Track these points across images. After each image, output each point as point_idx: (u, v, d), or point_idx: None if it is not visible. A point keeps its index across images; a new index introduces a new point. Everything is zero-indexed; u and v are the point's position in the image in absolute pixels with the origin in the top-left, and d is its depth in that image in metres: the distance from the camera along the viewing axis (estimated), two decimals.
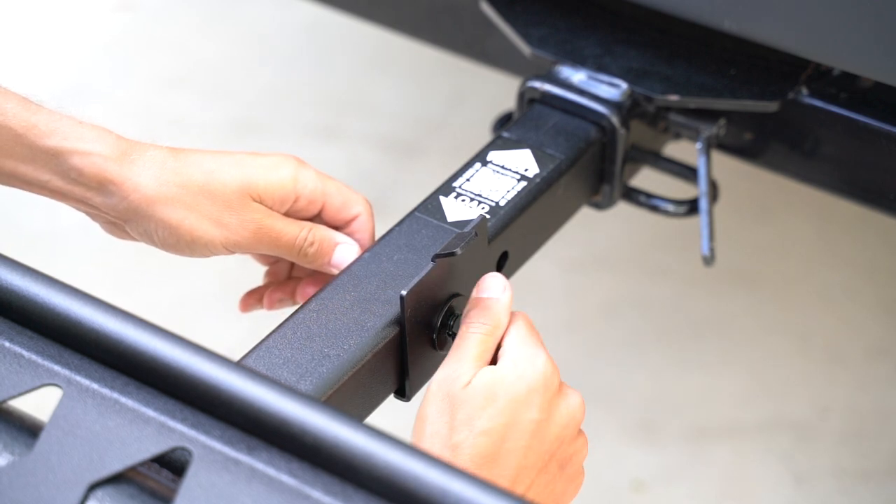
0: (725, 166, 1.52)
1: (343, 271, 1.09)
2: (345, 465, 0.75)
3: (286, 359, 1.01)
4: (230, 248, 1.07)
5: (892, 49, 1.16)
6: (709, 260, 1.29)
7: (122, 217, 1.06)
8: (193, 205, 1.05)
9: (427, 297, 1.04)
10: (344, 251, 1.11)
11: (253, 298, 1.20)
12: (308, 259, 1.10)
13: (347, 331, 1.03)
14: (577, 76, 1.30)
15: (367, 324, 1.03)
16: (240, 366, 0.79)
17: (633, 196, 1.35)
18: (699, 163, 1.30)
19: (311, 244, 1.09)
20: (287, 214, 1.11)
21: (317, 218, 1.13)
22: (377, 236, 1.12)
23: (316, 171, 1.11)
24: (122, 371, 0.80)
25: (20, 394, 0.79)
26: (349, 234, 1.13)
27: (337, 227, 1.13)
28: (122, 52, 2.39)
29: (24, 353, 0.81)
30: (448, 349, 1.09)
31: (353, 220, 1.13)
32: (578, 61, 1.32)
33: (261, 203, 1.08)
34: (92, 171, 1.03)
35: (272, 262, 1.20)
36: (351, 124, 2.23)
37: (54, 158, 1.03)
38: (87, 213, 1.08)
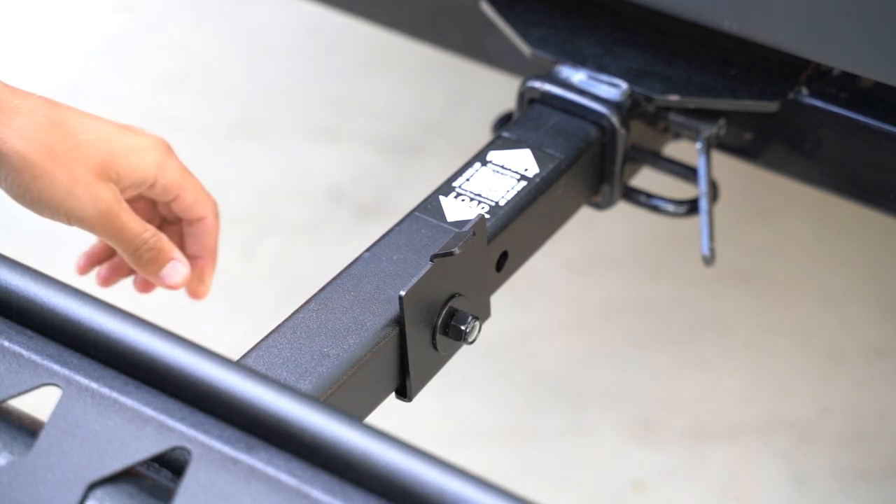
0: (725, 166, 1.52)
1: (343, 271, 1.08)
2: (344, 465, 0.75)
3: (286, 358, 1.01)
4: (73, 222, 1.06)
5: (892, 49, 1.16)
6: (709, 260, 1.29)
7: None
8: (51, 168, 1.03)
9: (426, 297, 1.04)
10: (175, 268, 1.11)
11: (90, 263, 1.20)
12: (141, 263, 1.10)
13: (347, 330, 1.03)
14: (577, 76, 1.30)
15: (366, 323, 1.03)
16: (239, 365, 0.79)
17: (633, 196, 1.35)
18: (699, 163, 1.30)
19: (150, 250, 1.09)
20: (140, 196, 1.11)
21: (165, 208, 1.14)
22: (378, 235, 1.12)
23: (180, 164, 1.11)
24: (121, 371, 0.80)
25: (19, 393, 0.79)
26: (194, 234, 1.15)
27: (182, 223, 1.15)
28: (122, 52, 2.39)
29: (24, 352, 0.81)
30: (448, 349, 1.09)
31: (198, 220, 1.14)
32: (578, 61, 1.32)
33: (118, 182, 1.06)
34: None
35: None
36: (351, 124, 2.23)
37: None
38: None
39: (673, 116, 1.31)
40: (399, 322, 1.04)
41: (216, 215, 1.15)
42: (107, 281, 1.21)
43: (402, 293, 1.01)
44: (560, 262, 2.00)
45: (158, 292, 2.01)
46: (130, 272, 1.20)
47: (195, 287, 1.18)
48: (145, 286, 1.20)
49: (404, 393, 1.08)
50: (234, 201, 2.13)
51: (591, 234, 2.04)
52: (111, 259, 1.21)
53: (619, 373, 1.89)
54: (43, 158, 1.02)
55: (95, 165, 1.05)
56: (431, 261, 1.04)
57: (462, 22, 1.51)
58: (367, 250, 1.10)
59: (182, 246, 1.17)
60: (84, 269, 1.21)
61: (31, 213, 2.08)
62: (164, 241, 1.10)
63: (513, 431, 1.83)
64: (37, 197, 1.03)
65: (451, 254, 1.03)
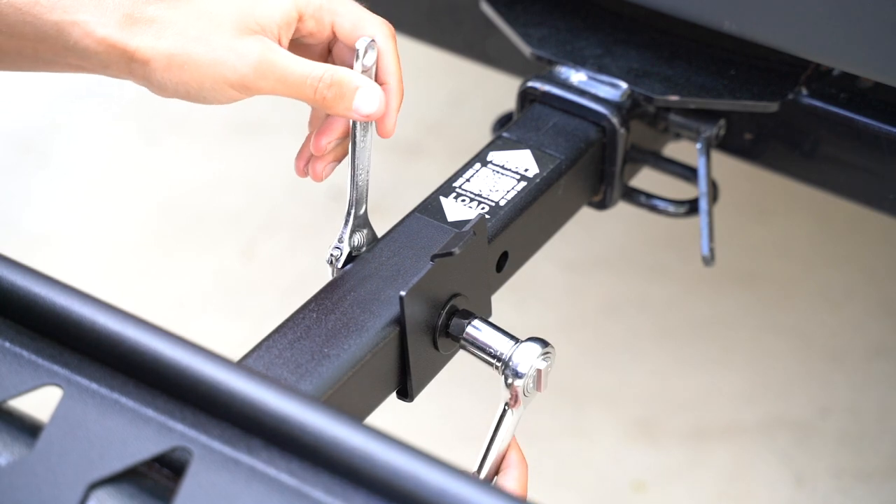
0: (725, 166, 1.52)
1: (343, 271, 1.08)
2: (344, 465, 0.75)
3: (286, 359, 1.01)
4: (239, 90, 1.02)
5: (892, 49, 1.16)
6: (709, 260, 1.29)
7: (140, 78, 1.03)
8: (193, 52, 1.01)
9: (427, 297, 1.04)
10: (365, 95, 1.02)
11: (304, 160, 1.12)
12: (328, 103, 1.03)
13: (347, 331, 1.03)
14: (577, 76, 1.30)
15: (367, 324, 1.03)
16: (240, 366, 0.79)
17: (633, 196, 1.35)
18: (699, 163, 1.30)
19: (330, 86, 1.02)
20: (298, 41, 1.06)
21: (332, 44, 1.08)
22: (379, 234, 1.12)
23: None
24: (122, 371, 0.80)
25: (20, 393, 0.79)
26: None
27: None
28: None
29: (25, 353, 0.81)
30: (449, 349, 1.09)
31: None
32: (578, 62, 1.32)
33: (262, 34, 1.02)
34: (94, 39, 1.01)
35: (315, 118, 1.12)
36: None
37: (60, 33, 1.01)
38: (129, 79, 1.05)
39: (673, 117, 1.31)
40: (399, 322, 1.04)
41: (388, 35, 1.05)
42: (319, 173, 1.10)
43: (403, 293, 1.01)
44: (560, 263, 2.01)
45: (158, 292, 2.01)
46: (339, 155, 1.10)
47: (381, 123, 1.06)
48: (315, 173, 1.10)
49: (405, 393, 1.08)
50: (235, 201, 2.13)
51: (590, 234, 2.04)
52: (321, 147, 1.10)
53: (619, 373, 1.89)
54: (180, 47, 1.00)
55: (231, 27, 1.01)
56: (432, 261, 1.04)
57: (462, 22, 1.51)
58: (368, 250, 1.10)
59: None
60: (301, 170, 1.12)
61: (30, 214, 2.09)
62: (341, 72, 1.02)
63: None
64: (197, 85, 1.01)
65: (451, 254, 1.04)
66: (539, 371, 1.05)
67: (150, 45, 1.01)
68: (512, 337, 1.06)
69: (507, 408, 1.05)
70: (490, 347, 1.06)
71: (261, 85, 1.02)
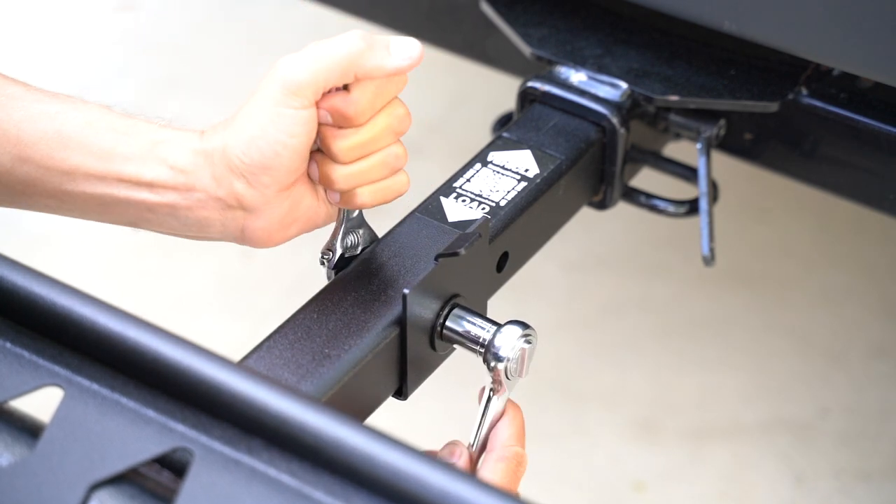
0: (725, 166, 1.52)
1: (344, 272, 1.08)
2: (345, 466, 0.75)
3: (286, 359, 1.01)
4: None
5: (892, 49, 1.16)
6: (709, 260, 1.29)
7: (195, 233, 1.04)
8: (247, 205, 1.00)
9: (428, 297, 1.04)
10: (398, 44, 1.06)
11: None
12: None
13: (347, 331, 1.03)
14: (577, 77, 1.30)
15: (367, 324, 1.03)
16: (240, 366, 0.79)
17: (633, 196, 1.35)
18: (699, 163, 1.30)
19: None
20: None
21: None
22: (379, 234, 1.12)
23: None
24: (122, 371, 0.80)
25: (21, 394, 0.79)
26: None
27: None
28: (123, 53, 2.39)
29: (25, 353, 0.81)
30: (445, 350, 1.09)
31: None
32: (578, 62, 1.32)
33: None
34: (155, 202, 1.02)
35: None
36: None
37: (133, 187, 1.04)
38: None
39: (673, 117, 1.32)
40: (400, 322, 1.04)
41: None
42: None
43: (407, 291, 1.01)
44: (560, 263, 2.01)
45: (158, 292, 2.01)
46: None
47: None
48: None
49: (399, 392, 1.08)
50: None
51: (591, 234, 2.04)
52: None
53: (619, 373, 1.89)
54: (229, 192, 1.00)
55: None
56: (436, 260, 1.04)
57: (462, 22, 1.51)
58: (368, 251, 1.10)
59: None
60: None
61: (30, 214, 2.09)
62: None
63: None
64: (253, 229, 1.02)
65: (456, 254, 1.04)
66: (522, 352, 1.04)
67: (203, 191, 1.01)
68: (494, 322, 1.06)
69: (492, 394, 1.05)
70: (471, 333, 1.06)
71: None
